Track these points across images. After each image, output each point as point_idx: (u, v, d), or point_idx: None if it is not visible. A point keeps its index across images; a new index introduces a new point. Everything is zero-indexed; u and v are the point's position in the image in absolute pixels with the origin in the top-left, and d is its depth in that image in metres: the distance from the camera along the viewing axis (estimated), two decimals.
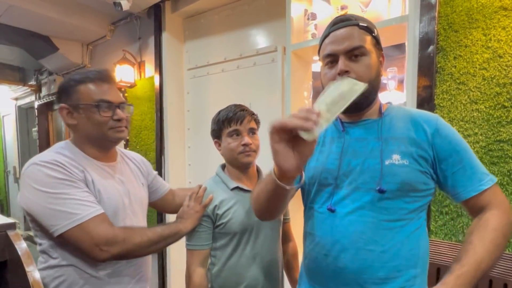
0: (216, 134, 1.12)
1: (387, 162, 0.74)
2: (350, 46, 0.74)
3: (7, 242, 0.70)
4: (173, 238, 0.99)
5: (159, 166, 2.38)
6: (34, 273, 0.62)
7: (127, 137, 1.08)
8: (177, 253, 2.38)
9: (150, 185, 1.19)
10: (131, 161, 1.13)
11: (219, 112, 1.12)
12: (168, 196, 1.24)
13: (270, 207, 0.82)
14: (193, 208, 1.03)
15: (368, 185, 0.75)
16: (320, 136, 0.85)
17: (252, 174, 1.14)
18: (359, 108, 0.79)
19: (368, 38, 0.76)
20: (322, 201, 0.81)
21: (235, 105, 1.11)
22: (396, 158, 0.74)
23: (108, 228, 0.86)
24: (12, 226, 0.72)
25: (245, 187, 1.09)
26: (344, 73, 0.74)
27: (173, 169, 2.38)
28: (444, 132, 0.75)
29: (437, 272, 1.24)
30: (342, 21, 0.76)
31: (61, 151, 0.92)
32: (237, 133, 1.06)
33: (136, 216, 1.04)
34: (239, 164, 1.09)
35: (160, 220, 2.38)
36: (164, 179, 2.36)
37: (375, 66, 0.76)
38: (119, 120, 0.95)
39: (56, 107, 3.83)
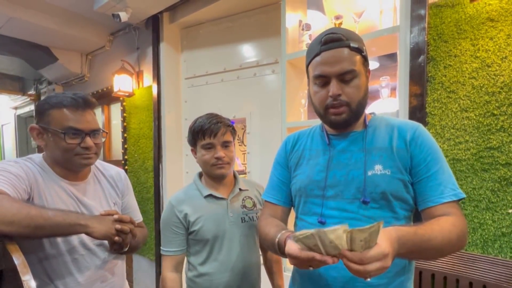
0: (192, 143, 1.13)
1: (369, 173, 0.76)
2: (342, 70, 0.76)
3: (3, 252, 0.71)
4: (67, 229, 0.79)
5: (157, 174, 2.39)
6: (30, 283, 0.63)
7: (94, 163, 1.04)
8: None
9: (122, 207, 1.14)
10: (105, 179, 1.11)
11: (196, 121, 1.10)
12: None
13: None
14: (113, 223, 0.88)
15: (353, 196, 0.77)
16: (307, 149, 0.90)
17: (228, 181, 1.15)
18: (348, 125, 0.81)
19: (358, 58, 0.78)
20: (311, 212, 0.84)
21: (211, 116, 1.09)
22: (378, 168, 0.76)
23: None
24: (8, 235, 0.73)
25: (218, 195, 1.10)
26: (337, 96, 0.76)
27: (171, 177, 2.39)
28: (420, 140, 0.77)
29: (432, 277, 1.25)
30: (333, 41, 0.77)
31: (32, 159, 0.96)
32: (211, 146, 1.06)
33: (93, 240, 0.97)
34: (212, 175, 1.10)
35: (158, 229, 2.38)
36: (162, 187, 2.38)
37: (363, 85, 0.79)
38: (86, 148, 0.95)
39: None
